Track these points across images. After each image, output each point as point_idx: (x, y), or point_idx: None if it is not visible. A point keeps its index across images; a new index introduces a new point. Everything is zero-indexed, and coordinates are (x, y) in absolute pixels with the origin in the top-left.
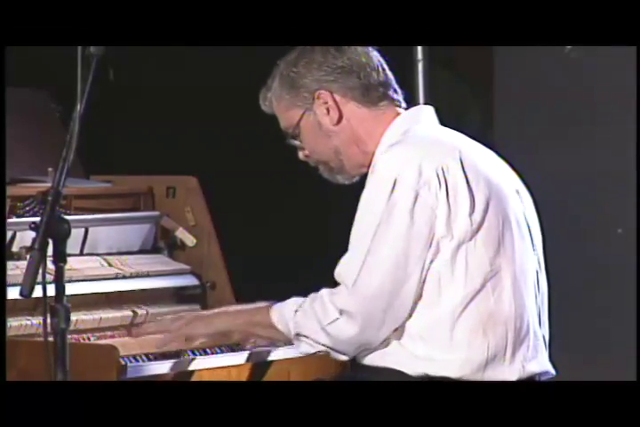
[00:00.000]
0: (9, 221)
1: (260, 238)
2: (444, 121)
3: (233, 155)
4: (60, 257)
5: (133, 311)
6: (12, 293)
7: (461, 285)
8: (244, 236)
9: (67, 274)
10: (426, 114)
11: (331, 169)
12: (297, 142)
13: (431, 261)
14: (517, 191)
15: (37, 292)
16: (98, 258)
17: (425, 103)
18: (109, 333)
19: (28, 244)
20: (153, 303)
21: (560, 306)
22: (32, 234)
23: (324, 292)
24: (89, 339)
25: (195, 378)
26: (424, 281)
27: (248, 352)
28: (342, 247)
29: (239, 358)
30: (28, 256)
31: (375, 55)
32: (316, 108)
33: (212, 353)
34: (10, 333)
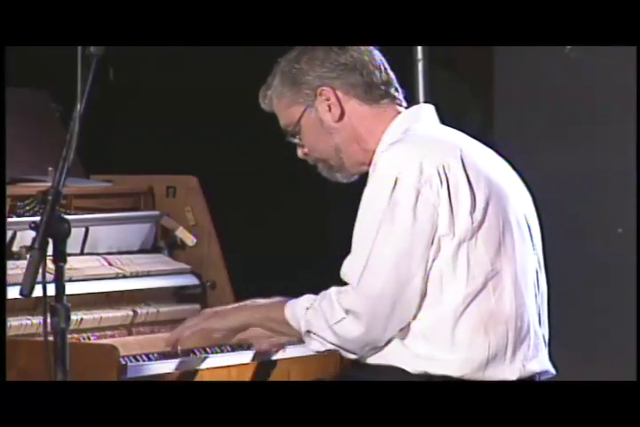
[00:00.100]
0: (9, 220)
1: (260, 238)
2: (444, 121)
3: (233, 155)
4: (60, 257)
5: (134, 311)
6: (13, 292)
7: (463, 284)
8: (244, 236)
9: (67, 273)
10: (426, 112)
11: (330, 167)
12: (296, 140)
13: (433, 260)
14: (518, 191)
15: (37, 291)
16: (98, 257)
17: (425, 103)
18: (109, 332)
19: (29, 243)
20: (153, 303)
21: (560, 305)
22: (32, 233)
23: (333, 290)
24: (89, 338)
25: (195, 378)
26: (427, 280)
27: (252, 352)
28: (342, 246)
29: (243, 357)
30: (28, 256)
31: (377, 54)
32: (318, 105)
33: (217, 352)
34: (10, 332)
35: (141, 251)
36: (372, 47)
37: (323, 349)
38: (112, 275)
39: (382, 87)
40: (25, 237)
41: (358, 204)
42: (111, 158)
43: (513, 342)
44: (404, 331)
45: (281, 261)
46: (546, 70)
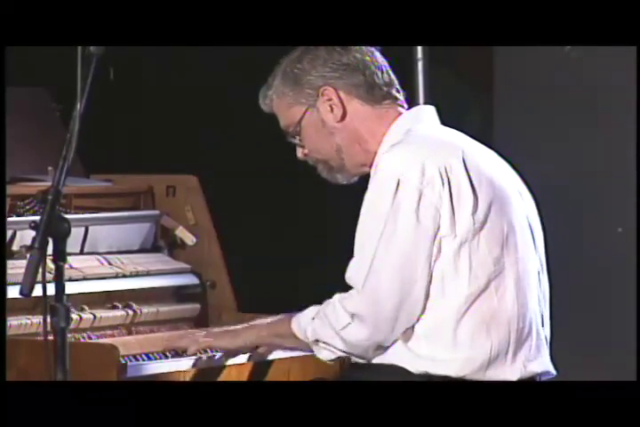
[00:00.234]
0: (9, 219)
1: (260, 238)
2: (444, 121)
3: (233, 155)
4: (60, 256)
5: (133, 310)
6: (12, 292)
7: (465, 284)
8: (244, 236)
9: (67, 273)
10: (427, 114)
11: (330, 168)
12: (297, 141)
13: (435, 261)
14: (519, 192)
15: (37, 291)
16: (98, 257)
17: (425, 103)
18: (109, 332)
19: (29, 243)
20: (153, 302)
21: (560, 306)
22: (32, 233)
23: (336, 297)
24: (89, 338)
25: (195, 378)
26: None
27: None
28: (342, 247)
29: (242, 357)
30: (28, 255)
31: (379, 55)
32: (320, 105)
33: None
34: (10, 332)
35: (141, 250)
36: (373, 48)
37: (333, 357)
38: (112, 274)
39: (384, 88)
40: (25, 237)
41: (358, 203)
42: (111, 158)
43: (515, 343)
44: (407, 332)
45: (281, 262)
46: (546, 70)
